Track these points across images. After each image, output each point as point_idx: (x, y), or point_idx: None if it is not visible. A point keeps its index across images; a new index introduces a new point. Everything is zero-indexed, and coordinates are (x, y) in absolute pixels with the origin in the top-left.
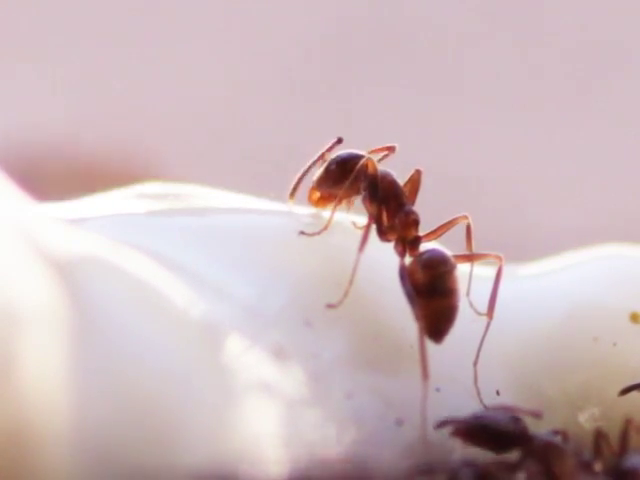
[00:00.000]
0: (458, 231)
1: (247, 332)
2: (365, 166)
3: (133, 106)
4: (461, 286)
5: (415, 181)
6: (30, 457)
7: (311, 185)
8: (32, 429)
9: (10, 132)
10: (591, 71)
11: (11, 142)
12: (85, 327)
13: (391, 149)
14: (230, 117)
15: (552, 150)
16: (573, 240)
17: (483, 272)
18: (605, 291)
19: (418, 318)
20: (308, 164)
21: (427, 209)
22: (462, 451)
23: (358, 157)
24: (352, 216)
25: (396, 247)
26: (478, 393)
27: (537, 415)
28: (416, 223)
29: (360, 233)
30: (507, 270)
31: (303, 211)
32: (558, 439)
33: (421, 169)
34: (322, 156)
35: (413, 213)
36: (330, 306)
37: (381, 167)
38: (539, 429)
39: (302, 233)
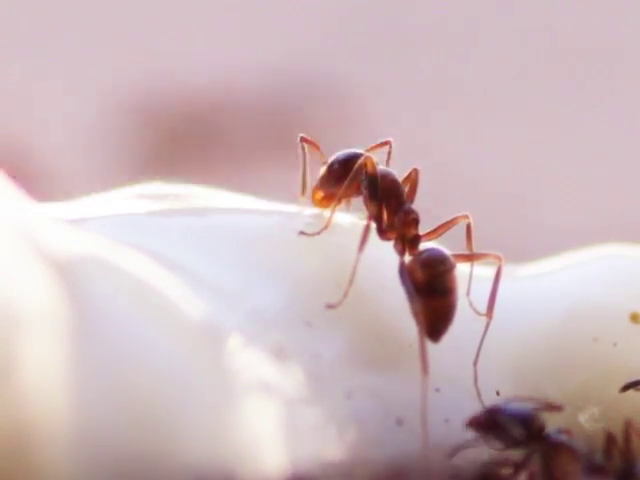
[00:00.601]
0: (458, 231)
1: (247, 332)
2: (364, 165)
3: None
4: (461, 286)
5: (413, 180)
6: (30, 457)
7: (314, 185)
8: (32, 429)
9: None
10: (591, 71)
11: None
12: (85, 327)
13: (387, 143)
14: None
15: (552, 150)
16: (573, 240)
17: (483, 272)
18: (605, 291)
19: (417, 315)
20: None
21: (427, 209)
22: (463, 451)
23: (360, 156)
24: (352, 216)
25: (396, 246)
26: (478, 393)
27: (557, 409)
28: (416, 222)
29: (360, 232)
30: (507, 270)
31: (303, 211)
32: (571, 440)
33: (418, 168)
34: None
35: (413, 212)
36: (330, 306)
37: (381, 166)
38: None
39: (302, 233)
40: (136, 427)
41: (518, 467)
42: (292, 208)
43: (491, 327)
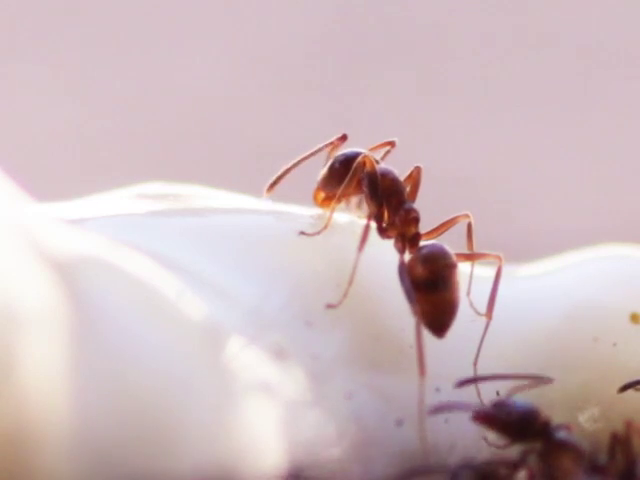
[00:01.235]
0: (458, 231)
1: (247, 332)
2: (362, 164)
3: (131, 105)
4: (461, 285)
5: (415, 178)
6: (30, 458)
7: (316, 185)
8: (32, 430)
9: None
10: (591, 71)
11: None
12: (85, 327)
13: (391, 144)
14: (230, 117)
15: (552, 150)
16: (573, 240)
17: (483, 272)
18: (605, 291)
19: (416, 314)
20: (300, 157)
21: (426, 209)
22: (461, 450)
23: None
24: (352, 215)
25: (396, 244)
26: (478, 393)
27: (547, 381)
28: (416, 220)
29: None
30: (507, 270)
31: (303, 211)
32: (576, 439)
33: (421, 166)
34: (320, 150)
35: (413, 210)
36: (330, 306)
37: (382, 165)
38: None
39: (302, 233)
40: (136, 427)
41: (516, 465)
42: (292, 208)
43: (491, 327)
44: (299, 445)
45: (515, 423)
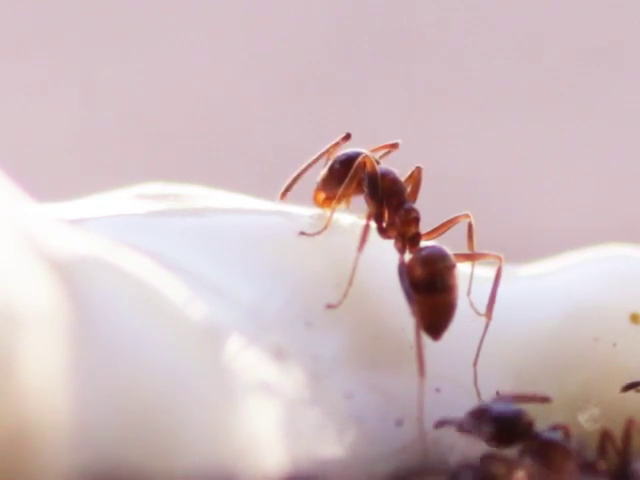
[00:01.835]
0: (458, 231)
1: (247, 332)
2: (363, 164)
3: (131, 105)
4: (461, 286)
5: (416, 178)
6: (30, 457)
7: (316, 186)
8: (32, 430)
9: None
10: (591, 71)
11: None
12: (85, 327)
13: (395, 146)
14: (230, 117)
15: (552, 150)
16: (573, 240)
17: (483, 272)
18: (605, 291)
19: (415, 315)
20: (310, 160)
21: (426, 209)
22: (461, 450)
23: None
24: (352, 216)
25: (396, 244)
26: (478, 393)
27: (545, 400)
28: (416, 220)
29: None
30: (507, 270)
31: (303, 211)
32: (562, 437)
33: (421, 166)
34: (327, 152)
35: (414, 210)
36: (330, 306)
37: (382, 165)
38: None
39: (302, 233)
40: (136, 427)
41: (512, 466)
42: (292, 208)
43: (491, 327)
44: (299, 445)
45: (498, 431)
